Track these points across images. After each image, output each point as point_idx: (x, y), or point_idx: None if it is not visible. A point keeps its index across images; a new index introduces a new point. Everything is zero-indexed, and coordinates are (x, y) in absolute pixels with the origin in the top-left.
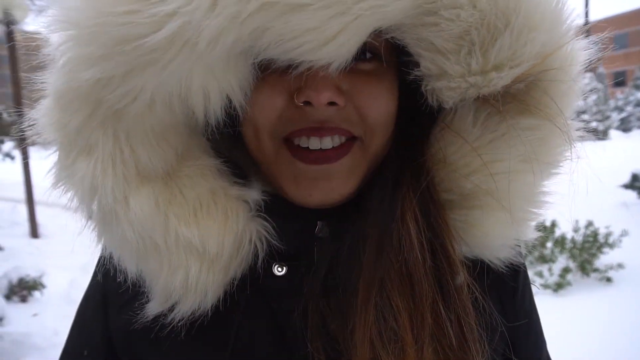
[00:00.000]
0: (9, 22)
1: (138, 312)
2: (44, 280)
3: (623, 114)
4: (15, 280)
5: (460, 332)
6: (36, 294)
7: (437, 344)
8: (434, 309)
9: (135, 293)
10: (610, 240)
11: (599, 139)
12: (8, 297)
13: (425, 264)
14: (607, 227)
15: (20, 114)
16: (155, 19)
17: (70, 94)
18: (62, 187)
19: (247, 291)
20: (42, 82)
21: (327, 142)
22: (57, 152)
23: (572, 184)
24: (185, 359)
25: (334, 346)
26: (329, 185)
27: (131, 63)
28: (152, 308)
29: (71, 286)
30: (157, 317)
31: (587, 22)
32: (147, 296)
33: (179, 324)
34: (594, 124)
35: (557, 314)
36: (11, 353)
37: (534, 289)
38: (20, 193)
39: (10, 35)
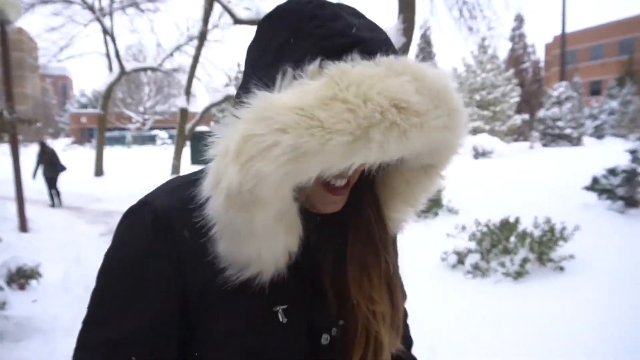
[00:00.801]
0: (3, 22)
1: (215, 273)
2: (40, 270)
3: (597, 122)
4: (14, 269)
5: (393, 269)
6: (33, 282)
7: (385, 275)
8: (384, 257)
9: (212, 256)
10: (565, 234)
11: (573, 145)
12: (8, 284)
13: (379, 238)
14: (562, 224)
15: (12, 112)
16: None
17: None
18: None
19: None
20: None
21: (343, 182)
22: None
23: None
24: (250, 309)
25: (337, 284)
26: (340, 203)
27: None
28: (231, 272)
29: (65, 276)
30: (230, 278)
31: (564, 35)
32: (222, 262)
33: (247, 284)
34: (568, 131)
35: (516, 299)
36: (15, 334)
37: (497, 276)
38: (6, 190)
39: (3, 35)
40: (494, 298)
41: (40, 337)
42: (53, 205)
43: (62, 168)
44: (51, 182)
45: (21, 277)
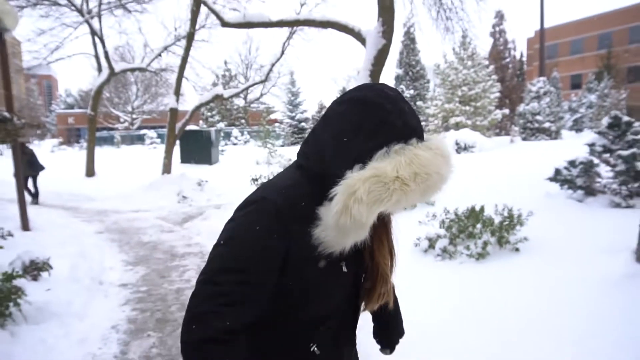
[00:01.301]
0: (1, 30)
1: (310, 248)
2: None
3: (577, 115)
4: (27, 261)
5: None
6: (44, 274)
7: (390, 247)
8: (390, 239)
9: (308, 238)
10: (522, 220)
11: (552, 138)
12: (20, 277)
13: (388, 241)
14: (519, 210)
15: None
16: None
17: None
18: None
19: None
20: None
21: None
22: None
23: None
24: (329, 263)
25: (369, 252)
26: None
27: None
28: (321, 248)
29: (72, 269)
30: (321, 251)
31: (542, 30)
32: (316, 242)
33: (327, 258)
34: (547, 125)
35: (478, 278)
36: (36, 317)
37: (462, 258)
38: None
39: (1, 44)
40: (459, 277)
41: (57, 321)
42: (35, 202)
43: (41, 167)
44: (32, 181)
45: (34, 269)
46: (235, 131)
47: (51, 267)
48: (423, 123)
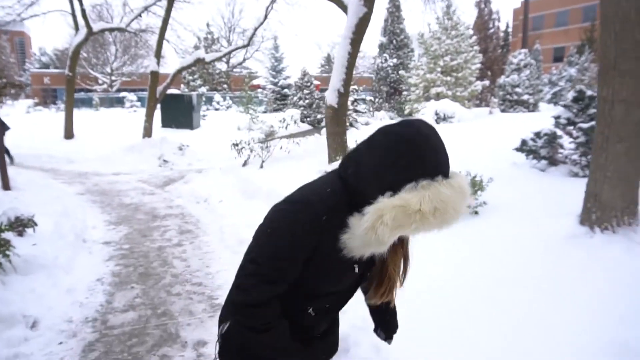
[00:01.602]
0: None
1: (336, 249)
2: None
3: (556, 88)
4: (12, 217)
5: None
6: (29, 230)
7: (405, 257)
8: (405, 260)
9: (338, 242)
10: (482, 186)
11: (530, 110)
12: (8, 231)
13: (404, 252)
14: (480, 177)
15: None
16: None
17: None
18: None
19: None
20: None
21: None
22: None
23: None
24: (345, 262)
25: (381, 259)
26: None
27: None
28: (345, 252)
29: (56, 226)
30: (345, 253)
31: (527, 2)
32: (343, 246)
33: (345, 258)
34: (525, 97)
35: (439, 237)
36: (25, 269)
37: None
38: None
39: None
40: (423, 237)
41: (44, 272)
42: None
43: (6, 127)
44: None
45: (19, 225)
46: (217, 96)
47: (36, 224)
48: (405, 93)
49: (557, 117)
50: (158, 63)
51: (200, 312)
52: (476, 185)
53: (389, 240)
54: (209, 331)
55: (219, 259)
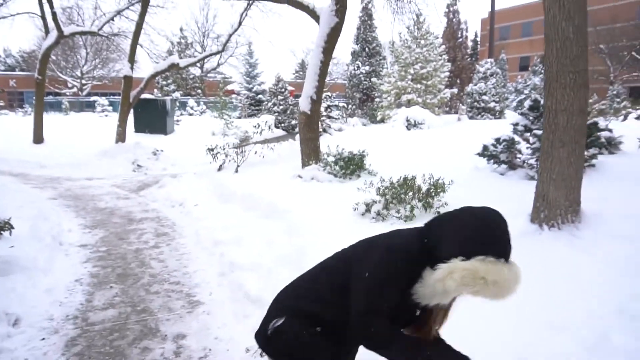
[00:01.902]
0: None
1: (409, 292)
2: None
3: (521, 96)
4: None
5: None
6: (5, 233)
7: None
8: (444, 315)
9: (412, 286)
10: (445, 188)
11: (496, 117)
12: None
13: (446, 311)
14: (442, 180)
15: None
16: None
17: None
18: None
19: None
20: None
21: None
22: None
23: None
24: (411, 305)
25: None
26: None
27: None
28: (416, 297)
29: (33, 229)
30: (415, 299)
31: (492, 13)
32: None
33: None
34: (492, 105)
35: None
36: (5, 269)
37: (392, 220)
38: None
39: None
40: None
41: (24, 273)
42: None
43: None
44: None
45: None
46: (191, 101)
47: (12, 227)
48: (377, 99)
49: (515, 124)
50: (132, 68)
51: (179, 308)
52: (438, 187)
53: (453, 293)
54: (188, 325)
55: (195, 259)
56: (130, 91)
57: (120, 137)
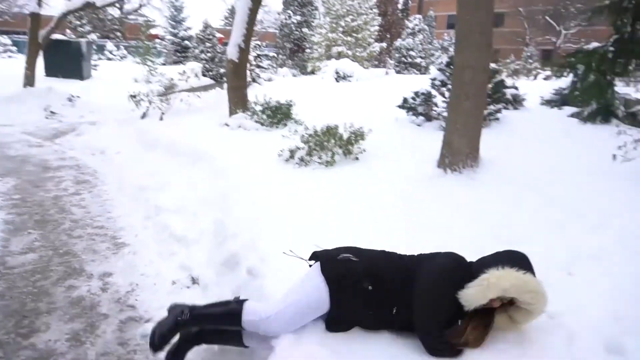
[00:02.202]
0: None
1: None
2: None
3: (448, 53)
4: None
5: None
6: None
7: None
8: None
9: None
10: (364, 136)
11: (421, 73)
12: None
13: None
14: (360, 128)
15: None
16: None
17: None
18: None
19: None
20: None
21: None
22: None
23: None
24: (457, 314)
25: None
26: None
27: None
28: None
29: None
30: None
31: None
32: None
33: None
34: (418, 60)
35: (325, 179)
36: None
37: (315, 165)
38: None
39: None
40: (312, 179)
41: None
42: None
43: None
44: None
45: None
46: (110, 45)
47: None
48: (308, 50)
49: (433, 79)
50: (39, 4)
51: (104, 250)
52: (358, 135)
53: (490, 295)
54: (114, 265)
55: (120, 205)
56: (39, 30)
57: (29, 81)
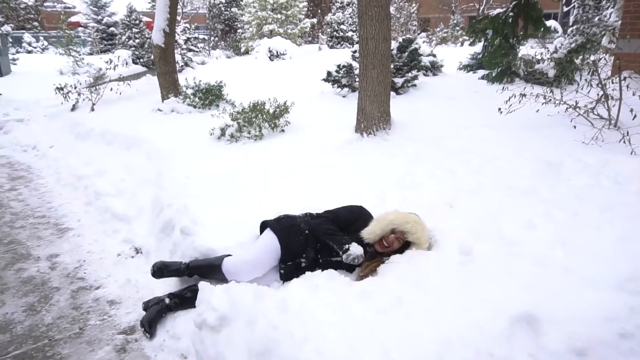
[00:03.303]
0: None
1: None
2: None
3: None
4: None
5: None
6: None
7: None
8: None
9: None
10: (288, 109)
11: (351, 45)
12: None
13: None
14: (285, 102)
15: None
16: None
17: None
18: None
19: None
20: None
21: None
22: None
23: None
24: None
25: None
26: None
27: None
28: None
29: None
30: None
31: None
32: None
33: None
34: (350, 34)
35: (255, 152)
36: None
37: (244, 140)
38: None
39: None
40: (242, 152)
41: None
42: None
43: None
44: None
45: None
46: (27, 36)
47: None
48: (239, 30)
49: (354, 52)
50: None
51: (48, 235)
52: (282, 110)
53: (381, 226)
54: (60, 247)
55: (59, 195)
56: None
57: None
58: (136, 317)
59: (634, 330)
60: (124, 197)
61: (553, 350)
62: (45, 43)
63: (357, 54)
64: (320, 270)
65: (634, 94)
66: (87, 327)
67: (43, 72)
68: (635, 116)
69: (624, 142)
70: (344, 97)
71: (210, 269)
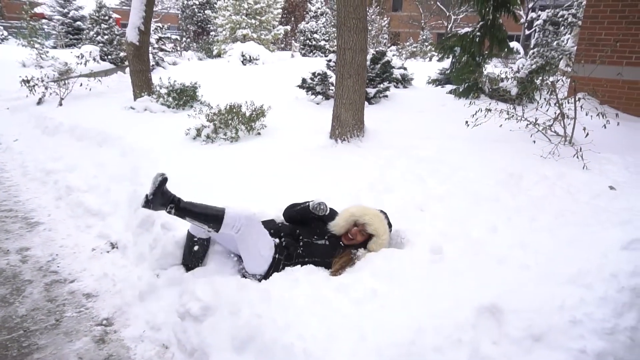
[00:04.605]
0: None
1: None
2: None
3: None
4: None
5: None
6: None
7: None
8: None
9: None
10: (264, 112)
11: (325, 55)
12: None
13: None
14: (262, 106)
15: None
16: None
17: None
18: None
19: None
20: None
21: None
22: None
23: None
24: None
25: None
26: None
27: None
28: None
29: None
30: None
31: None
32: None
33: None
34: (322, 43)
35: (231, 153)
36: None
37: (220, 142)
38: None
39: None
40: (218, 154)
41: None
42: None
43: None
44: None
45: None
46: None
47: None
48: (212, 33)
49: (328, 60)
50: None
51: (17, 229)
52: (259, 113)
53: (344, 217)
54: (30, 240)
55: (26, 190)
56: None
57: None
58: (115, 309)
59: (583, 317)
60: (97, 193)
61: (513, 337)
62: (5, 33)
63: (332, 63)
64: (299, 266)
65: (587, 114)
66: (64, 319)
67: (3, 63)
68: (587, 134)
69: (577, 157)
70: (317, 104)
71: (204, 210)
